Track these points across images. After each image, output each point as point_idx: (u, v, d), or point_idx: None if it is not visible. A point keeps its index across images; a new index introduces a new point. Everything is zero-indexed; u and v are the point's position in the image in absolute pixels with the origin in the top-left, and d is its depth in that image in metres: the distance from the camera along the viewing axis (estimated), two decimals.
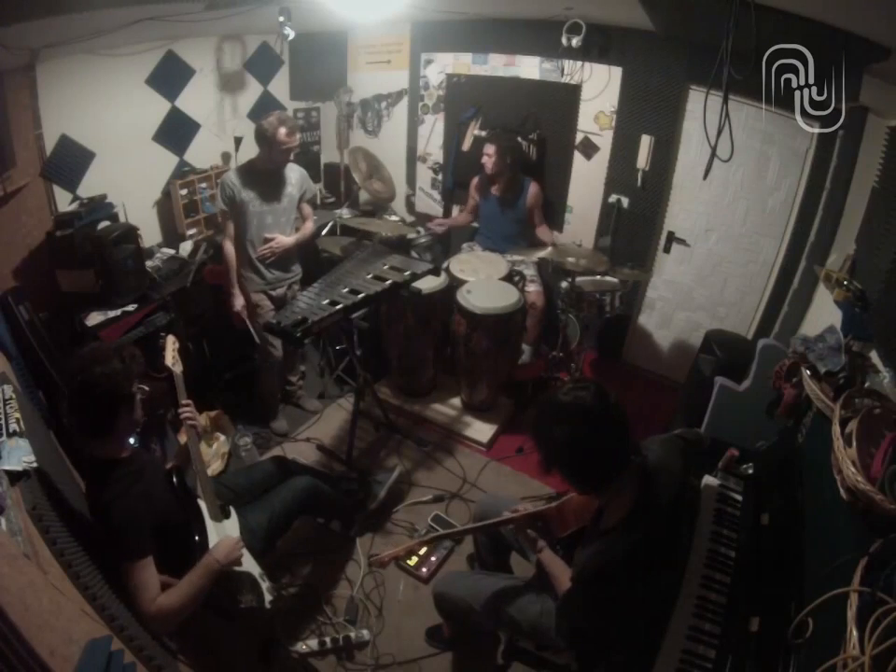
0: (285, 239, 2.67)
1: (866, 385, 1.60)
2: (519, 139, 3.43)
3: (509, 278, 3.09)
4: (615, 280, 2.92)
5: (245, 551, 1.60)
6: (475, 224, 3.57)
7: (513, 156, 3.23)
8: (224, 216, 2.56)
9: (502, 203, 3.31)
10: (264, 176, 2.56)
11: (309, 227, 2.80)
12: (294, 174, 2.67)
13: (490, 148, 3.18)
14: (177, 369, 1.84)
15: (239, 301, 2.62)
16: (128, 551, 1.35)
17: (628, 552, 1.23)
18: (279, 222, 2.64)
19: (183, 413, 1.73)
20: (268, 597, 1.57)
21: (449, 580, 1.80)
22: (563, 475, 1.29)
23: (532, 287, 3.21)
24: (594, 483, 1.30)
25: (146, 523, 1.39)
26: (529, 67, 3.34)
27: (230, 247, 2.58)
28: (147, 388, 1.55)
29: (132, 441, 2.26)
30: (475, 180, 3.44)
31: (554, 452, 1.27)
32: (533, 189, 3.29)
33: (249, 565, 1.60)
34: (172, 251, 3.10)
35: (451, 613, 1.77)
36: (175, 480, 1.63)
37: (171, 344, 1.90)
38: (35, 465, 1.31)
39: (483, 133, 3.55)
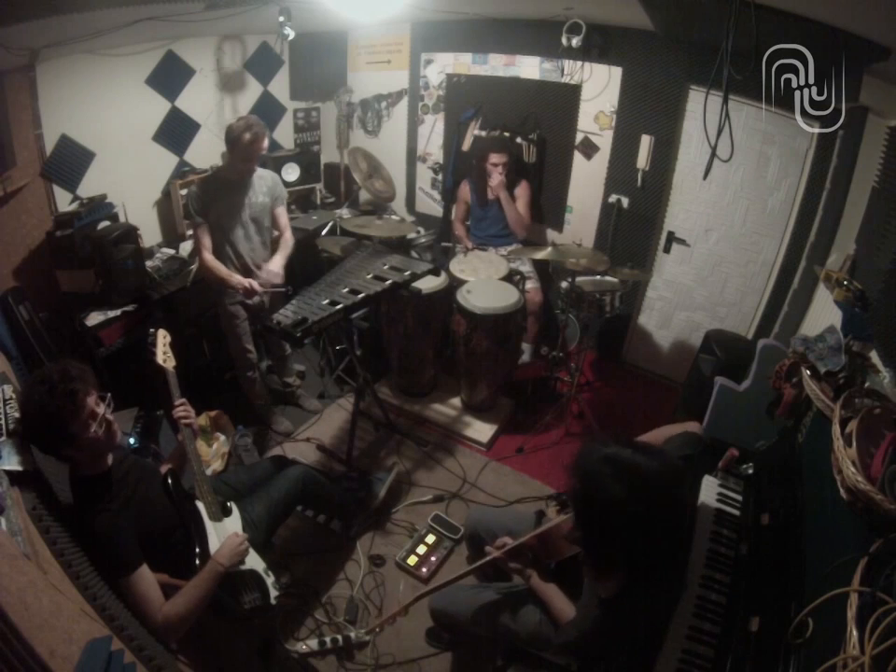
0: (275, 270, 2.57)
1: (866, 385, 1.60)
2: (518, 139, 3.43)
3: (508, 278, 3.09)
4: (615, 280, 2.92)
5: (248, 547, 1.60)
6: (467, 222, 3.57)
7: (513, 158, 3.24)
8: (197, 227, 2.45)
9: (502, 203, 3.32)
10: (232, 187, 2.46)
11: (288, 238, 2.69)
12: (264, 181, 2.56)
13: (501, 157, 3.15)
14: (169, 365, 1.78)
15: (246, 280, 2.49)
16: (119, 565, 1.34)
17: (636, 613, 1.20)
18: (249, 232, 2.56)
19: (177, 412, 1.67)
20: (273, 593, 1.57)
21: (445, 594, 1.76)
22: (589, 550, 1.16)
23: (529, 285, 3.21)
24: (614, 569, 1.16)
25: (130, 534, 1.38)
26: (529, 67, 3.34)
27: (210, 256, 2.47)
28: (111, 405, 1.41)
29: (131, 440, 2.29)
30: (467, 188, 3.41)
31: (614, 556, 1.11)
32: (524, 184, 3.32)
33: (253, 561, 1.60)
34: (172, 251, 3.10)
35: (449, 627, 1.77)
36: (170, 482, 1.62)
37: (161, 339, 1.85)
38: (34, 465, 1.31)
39: (484, 133, 3.55)
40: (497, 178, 3.16)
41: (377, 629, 1.60)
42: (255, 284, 2.50)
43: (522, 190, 3.32)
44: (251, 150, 2.36)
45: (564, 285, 2.95)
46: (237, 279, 2.49)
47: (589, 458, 1.10)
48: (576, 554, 1.44)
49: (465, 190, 3.44)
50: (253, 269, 2.62)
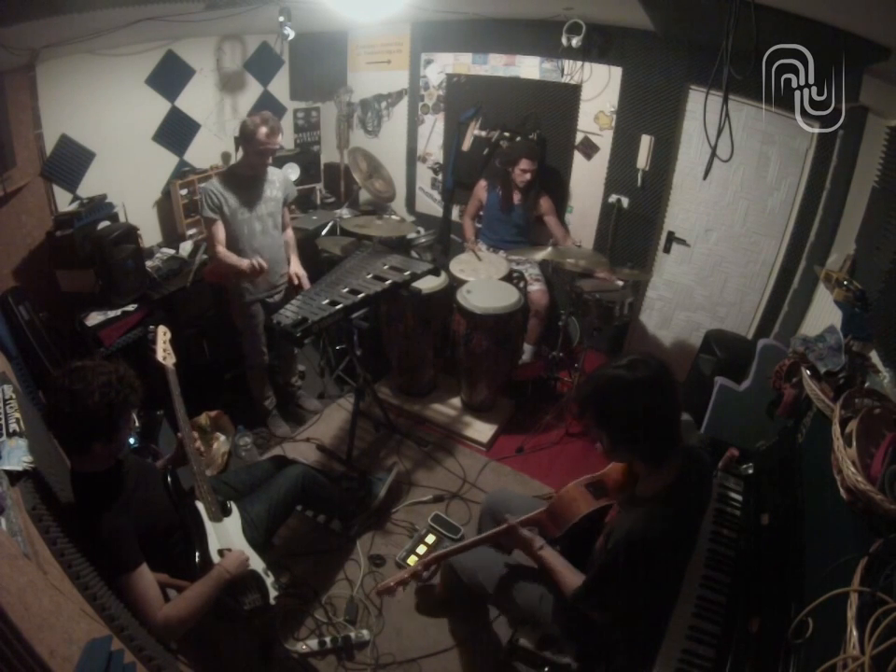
0: (300, 271, 2.70)
1: (866, 385, 1.60)
2: (518, 139, 3.43)
3: (509, 278, 3.09)
4: (619, 283, 2.91)
5: (248, 547, 1.61)
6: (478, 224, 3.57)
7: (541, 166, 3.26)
8: (211, 223, 2.46)
9: (526, 208, 3.31)
10: (247, 182, 2.50)
11: (291, 236, 2.78)
12: (276, 177, 2.61)
13: (530, 164, 3.14)
14: (169, 362, 1.78)
15: (252, 260, 2.47)
16: (119, 564, 1.34)
17: (673, 520, 1.27)
18: (266, 227, 2.59)
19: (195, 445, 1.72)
20: (273, 593, 1.57)
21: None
22: (630, 449, 1.33)
23: (535, 286, 3.21)
24: (663, 452, 1.30)
25: (131, 533, 1.38)
26: (529, 67, 3.34)
27: (223, 249, 2.48)
28: (138, 424, 1.45)
29: (131, 440, 2.28)
30: (484, 188, 3.40)
31: (628, 429, 1.27)
32: (547, 197, 3.32)
33: (253, 561, 1.60)
34: (172, 251, 3.10)
35: (454, 580, 1.82)
36: (170, 482, 1.63)
37: (161, 336, 1.85)
38: (34, 465, 1.31)
39: (484, 133, 3.55)
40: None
41: (390, 587, 1.60)
42: (261, 261, 2.48)
43: (548, 204, 3.32)
44: (267, 144, 2.40)
45: (570, 289, 2.92)
46: (246, 262, 2.49)
47: (590, 377, 1.35)
48: (581, 532, 1.52)
49: (481, 189, 3.42)
50: (272, 265, 2.63)
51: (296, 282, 2.67)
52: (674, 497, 1.29)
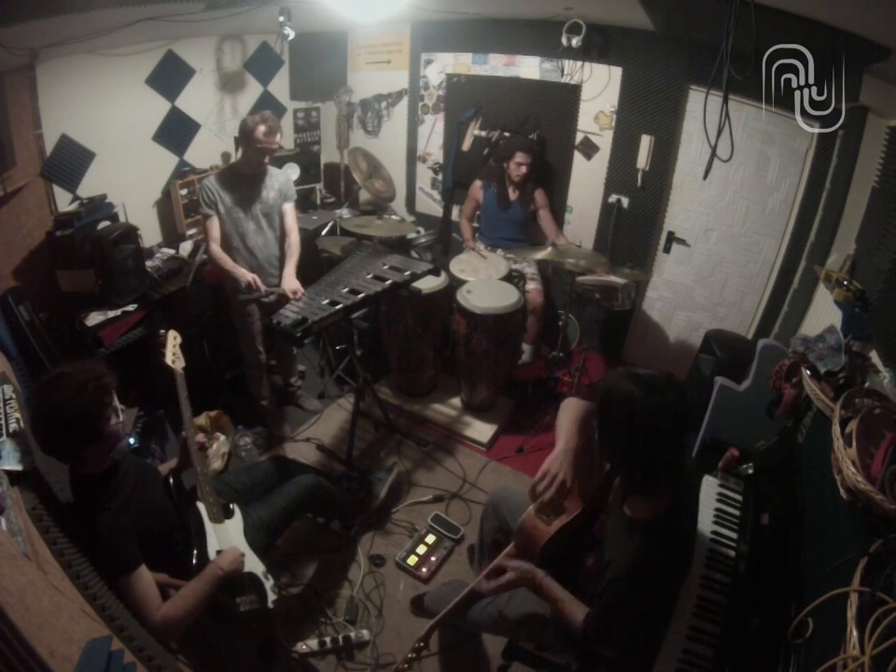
0: (291, 279, 2.52)
1: (866, 385, 1.60)
2: (518, 138, 3.44)
3: (508, 278, 3.09)
4: (622, 281, 2.91)
5: (248, 549, 1.61)
6: (475, 224, 3.57)
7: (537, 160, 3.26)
8: (206, 219, 2.48)
9: (523, 204, 3.31)
10: (245, 181, 2.49)
11: (294, 241, 2.62)
12: (276, 178, 2.58)
13: (525, 157, 3.15)
14: (178, 366, 1.79)
15: (250, 275, 2.47)
16: (118, 565, 1.34)
17: (674, 546, 1.24)
18: (261, 226, 2.57)
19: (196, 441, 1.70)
20: (271, 596, 1.56)
21: (439, 600, 1.76)
22: (631, 477, 1.27)
23: (532, 286, 3.21)
24: (655, 484, 1.24)
25: (130, 534, 1.38)
26: (529, 67, 3.34)
27: (217, 248, 2.49)
28: (123, 411, 1.43)
29: (131, 440, 2.29)
30: (479, 187, 3.40)
31: (623, 450, 1.22)
32: (542, 191, 3.33)
33: (253, 563, 1.59)
34: (172, 251, 3.10)
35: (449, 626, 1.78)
36: (171, 482, 1.63)
37: (171, 340, 1.86)
38: (33, 465, 1.31)
39: (484, 133, 3.55)
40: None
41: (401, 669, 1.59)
42: (258, 281, 2.47)
43: (542, 198, 3.32)
44: (266, 143, 2.40)
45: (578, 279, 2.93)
46: (241, 272, 2.48)
47: (608, 378, 1.28)
48: (567, 544, 1.48)
49: (477, 189, 3.42)
50: (266, 266, 2.62)
51: (290, 297, 2.43)
52: (672, 522, 1.24)
